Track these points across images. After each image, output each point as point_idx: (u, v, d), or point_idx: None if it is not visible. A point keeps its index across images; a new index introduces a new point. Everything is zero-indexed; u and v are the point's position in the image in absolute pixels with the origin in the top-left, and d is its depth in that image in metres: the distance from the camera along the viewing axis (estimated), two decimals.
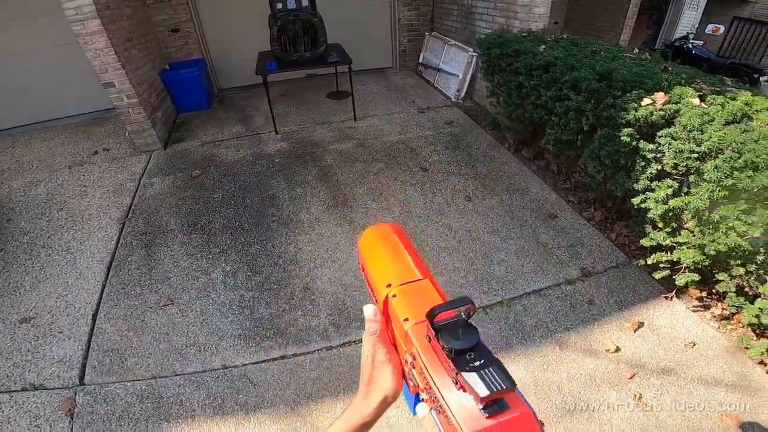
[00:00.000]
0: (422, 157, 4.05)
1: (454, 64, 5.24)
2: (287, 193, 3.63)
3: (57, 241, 3.25)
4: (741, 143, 1.83)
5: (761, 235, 1.87)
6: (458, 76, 5.11)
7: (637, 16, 10.08)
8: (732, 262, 2.10)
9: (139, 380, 2.25)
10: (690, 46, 8.21)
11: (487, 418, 0.33)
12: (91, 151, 4.50)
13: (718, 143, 1.87)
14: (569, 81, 2.79)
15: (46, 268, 3.01)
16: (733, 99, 2.09)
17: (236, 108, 5.34)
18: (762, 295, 2.06)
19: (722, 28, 9.17)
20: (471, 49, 4.88)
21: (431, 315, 0.37)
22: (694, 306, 2.63)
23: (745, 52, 10.53)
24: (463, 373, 0.34)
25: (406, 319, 0.42)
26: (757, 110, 2.03)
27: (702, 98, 2.15)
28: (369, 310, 0.47)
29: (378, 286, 0.48)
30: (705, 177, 1.98)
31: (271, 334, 2.48)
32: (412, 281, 0.47)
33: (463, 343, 0.36)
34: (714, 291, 2.49)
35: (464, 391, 0.35)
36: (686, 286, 2.48)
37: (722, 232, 1.98)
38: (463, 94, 5.15)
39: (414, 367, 0.41)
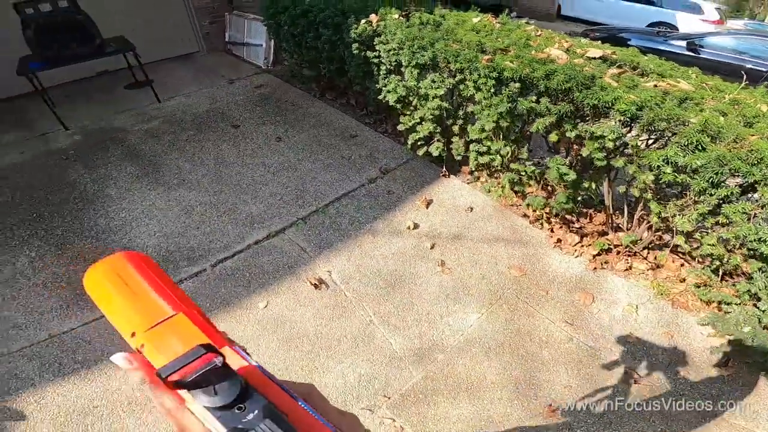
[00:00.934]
0: (233, 117, 4.16)
1: (258, 36, 5.39)
2: (88, 176, 3.37)
3: None
4: (422, 38, 2.50)
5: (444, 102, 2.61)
6: (263, 45, 5.30)
7: None
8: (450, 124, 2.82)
9: None
10: None
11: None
12: None
13: (404, 38, 2.53)
14: (321, 20, 3.31)
15: None
16: (429, 14, 2.79)
17: (11, 117, 4.58)
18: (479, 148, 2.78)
19: None
20: None
21: (161, 378, 0.32)
22: (467, 180, 3.34)
23: None
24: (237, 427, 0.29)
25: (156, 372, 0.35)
26: (446, 19, 2.75)
27: (407, 16, 2.81)
28: (120, 360, 0.36)
29: (125, 337, 0.38)
30: (403, 63, 2.63)
31: (85, 298, 2.39)
32: (161, 321, 0.38)
33: (223, 398, 0.32)
34: (485, 168, 3.17)
35: None
36: (458, 163, 3.18)
37: (429, 101, 2.65)
38: (271, 61, 5.36)
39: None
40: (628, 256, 2.62)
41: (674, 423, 1.89)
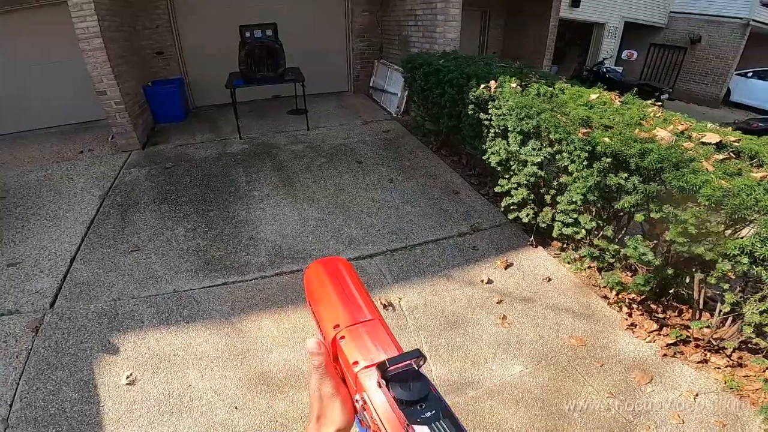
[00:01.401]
0: (359, 154, 4.86)
1: (395, 85, 6.20)
2: (244, 178, 4.34)
3: (45, 210, 3.82)
4: (528, 106, 2.75)
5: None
6: (397, 94, 6.07)
7: (568, 48, 11.63)
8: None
9: (100, 303, 2.77)
10: (604, 69, 9.61)
11: None
12: (77, 151, 5.12)
13: (514, 105, 2.80)
14: (448, 80, 3.76)
15: (34, 229, 3.57)
16: (548, 85, 3.02)
17: (208, 120, 6.10)
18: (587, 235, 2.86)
19: (635, 54, 10.71)
20: None
21: (383, 368, 0.36)
22: (554, 253, 3.40)
23: (662, 73, 12.16)
24: (414, 426, 0.33)
25: (356, 363, 0.41)
26: (564, 92, 2.96)
27: (525, 86, 3.08)
28: (312, 344, 0.44)
29: (325, 325, 0.46)
30: (509, 128, 2.89)
31: (218, 268, 3.10)
32: (361, 322, 0.45)
33: (413, 394, 0.36)
34: (570, 240, 3.24)
35: None
36: (549, 236, 3.27)
37: (527, 167, 2.85)
38: (402, 110, 6.08)
39: (365, 410, 0.40)
40: (707, 350, 2.39)
41: None
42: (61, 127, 5.90)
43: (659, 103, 2.73)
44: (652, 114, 2.55)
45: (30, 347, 2.45)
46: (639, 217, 2.17)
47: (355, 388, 0.42)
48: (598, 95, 2.89)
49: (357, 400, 0.42)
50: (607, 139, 2.24)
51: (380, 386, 0.38)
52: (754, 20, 10.11)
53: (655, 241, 2.27)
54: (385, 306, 2.79)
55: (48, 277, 3.03)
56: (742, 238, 1.79)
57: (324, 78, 6.86)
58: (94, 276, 3.04)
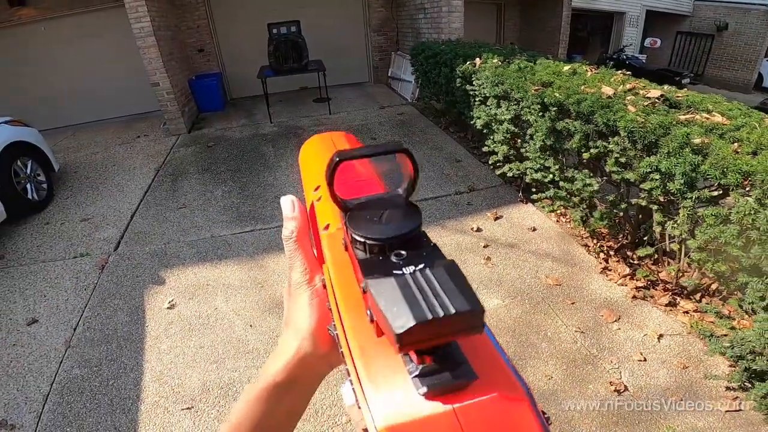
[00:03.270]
0: (374, 132, 5.28)
1: (409, 74, 6.58)
2: (273, 153, 4.87)
3: (110, 181, 4.49)
4: (501, 75, 3.08)
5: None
6: (412, 82, 6.45)
7: (591, 37, 11.56)
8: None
9: (153, 246, 3.31)
10: (625, 56, 9.56)
11: (424, 395, 0.17)
12: (134, 136, 5.87)
13: (489, 75, 3.15)
14: (443, 60, 4.17)
15: (102, 194, 4.23)
16: (529, 62, 3.33)
17: (243, 109, 6.74)
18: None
19: (659, 41, 10.53)
20: None
21: (331, 171, 0.23)
22: (541, 207, 3.64)
23: (690, 60, 11.81)
24: (371, 283, 0.18)
25: (327, 227, 0.29)
26: (539, 64, 3.28)
27: (508, 63, 3.42)
28: (285, 202, 0.32)
29: (307, 192, 0.36)
30: (487, 95, 3.23)
31: (248, 219, 3.60)
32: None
33: (386, 230, 0.22)
34: (542, 186, 3.49)
35: (377, 326, 0.19)
36: (531, 188, 3.56)
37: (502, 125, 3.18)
38: (416, 96, 6.45)
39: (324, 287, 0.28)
40: (676, 294, 2.56)
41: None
42: (120, 118, 6.74)
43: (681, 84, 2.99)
44: (613, 80, 2.82)
45: (96, 282, 2.97)
46: (586, 155, 2.45)
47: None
48: (570, 66, 3.16)
49: (322, 279, 0.31)
50: (552, 92, 2.56)
51: (346, 245, 0.25)
52: None
53: (605, 177, 2.55)
54: None
55: (113, 228, 3.64)
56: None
57: (346, 70, 7.36)
58: (149, 226, 3.62)
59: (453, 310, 0.16)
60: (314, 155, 0.41)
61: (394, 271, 0.19)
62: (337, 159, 0.23)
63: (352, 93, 7.08)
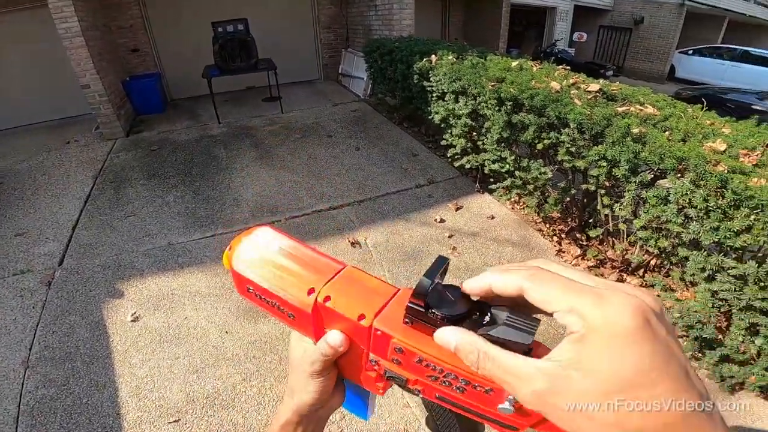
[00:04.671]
0: (329, 130, 5.27)
1: (361, 71, 6.62)
2: (225, 154, 4.70)
3: (42, 190, 4.10)
4: (457, 71, 3.25)
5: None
6: (364, 78, 6.51)
7: (526, 32, 12.27)
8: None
9: (104, 258, 3.11)
10: (556, 50, 10.29)
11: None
12: (63, 142, 5.37)
13: (447, 71, 3.31)
14: (399, 58, 4.27)
15: (35, 205, 3.86)
16: (480, 58, 3.53)
17: (187, 110, 6.41)
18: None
19: (585, 36, 11.42)
20: None
21: (423, 290, 0.30)
22: (498, 196, 3.88)
23: (612, 53, 12.93)
24: (491, 331, 0.28)
25: (362, 317, 0.34)
26: (490, 60, 3.48)
27: (462, 59, 3.59)
28: (337, 337, 0.36)
29: (293, 298, 0.37)
30: (445, 90, 3.40)
31: (207, 224, 3.48)
32: (336, 274, 0.37)
33: (459, 307, 0.30)
34: (499, 176, 3.74)
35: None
36: (488, 179, 3.77)
37: (460, 120, 3.37)
38: (369, 92, 6.52)
39: (400, 362, 0.33)
40: (622, 271, 2.86)
41: None
42: (40, 124, 6.15)
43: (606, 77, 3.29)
44: (557, 74, 3.08)
45: (44, 299, 2.76)
46: (539, 145, 2.68)
47: (364, 348, 0.35)
48: (518, 62, 3.40)
49: (372, 361, 0.35)
50: (508, 88, 2.77)
51: (409, 321, 0.32)
52: (687, 1, 10.89)
53: (556, 166, 2.79)
54: (353, 244, 3.23)
55: (54, 242, 3.35)
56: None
57: (295, 68, 7.25)
58: (95, 238, 3.38)
59: (534, 328, 0.28)
60: (269, 260, 0.39)
61: (486, 322, 0.30)
62: (426, 285, 0.30)
63: (302, 91, 6.99)
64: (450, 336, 0.29)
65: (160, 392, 2.10)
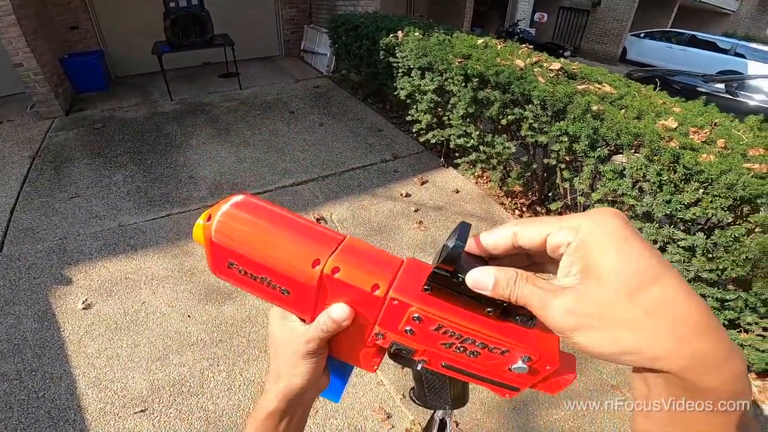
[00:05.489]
0: (291, 106, 5.09)
1: (324, 47, 6.40)
2: (179, 131, 4.43)
3: None
4: (424, 47, 3.20)
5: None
6: (327, 55, 6.30)
7: (490, 11, 12.32)
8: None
9: (47, 243, 2.88)
10: (518, 30, 10.41)
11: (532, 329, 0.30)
12: None
13: (413, 47, 3.26)
14: (364, 34, 4.17)
15: None
16: (447, 35, 3.49)
17: (135, 88, 5.95)
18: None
19: (546, 16, 11.62)
20: None
21: (455, 256, 0.29)
22: (463, 171, 3.92)
23: (570, 34, 13.27)
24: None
25: (376, 287, 0.33)
26: (456, 37, 3.45)
27: (428, 35, 3.55)
28: (344, 311, 0.34)
29: (295, 271, 0.33)
30: (411, 66, 3.36)
31: (161, 203, 3.28)
32: (339, 245, 0.35)
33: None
34: (464, 151, 3.77)
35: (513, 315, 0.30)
36: (452, 153, 3.79)
37: (426, 95, 3.34)
38: (332, 69, 6.33)
39: (414, 332, 0.32)
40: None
41: None
42: None
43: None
44: (520, 52, 3.11)
45: None
46: (504, 121, 2.71)
47: (370, 321, 0.34)
48: (483, 40, 3.40)
49: (379, 335, 0.34)
50: (475, 64, 2.76)
51: (429, 288, 0.31)
52: None
53: (519, 141, 2.83)
54: (318, 220, 3.16)
55: None
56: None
57: (255, 44, 6.91)
58: (36, 221, 3.11)
59: None
60: (258, 231, 0.34)
61: None
62: (460, 249, 0.29)
63: (262, 67, 6.67)
64: (488, 271, 0.29)
65: (121, 382, 2.00)
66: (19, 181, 3.57)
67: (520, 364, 0.31)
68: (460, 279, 0.30)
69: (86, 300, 2.46)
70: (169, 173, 3.66)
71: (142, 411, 1.88)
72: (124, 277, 2.65)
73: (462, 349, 0.32)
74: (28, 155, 4.01)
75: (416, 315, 0.32)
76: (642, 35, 12.70)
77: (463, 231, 0.30)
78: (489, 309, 0.31)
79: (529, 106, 2.52)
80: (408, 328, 0.33)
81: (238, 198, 0.37)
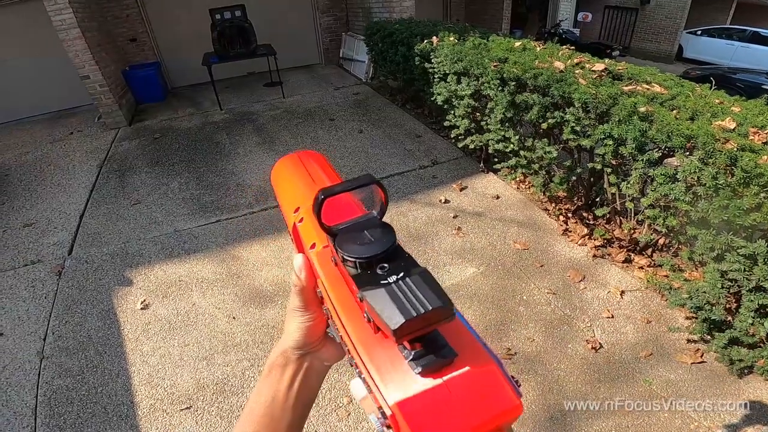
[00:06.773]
0: (331, 113, 5.20)
1: (362, 54, 6.50)
2: (228, 140, 4.67)
3: (48, 181, 4.11)
4: (459, 52, 3.17)
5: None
6: (365, 62, 6.39)
7: (530, 13, 11.98)
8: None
9: (112, 247, 3.12)
10: (560, 31, 10.03)
11: (420, 374, 0.22)
12: (66, 133, 5.35)
13: (448, 52, 3.22)
14: (400, 40, 4.20)
15: (41, 196, 3.87)
16: (483, 39, 3.44)
17: (187, 98, 6.35)
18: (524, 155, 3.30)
19: (590, 16, 11.12)
20: None
21: (318, 206, 0.27)
22: (503, 176, 3.83)
23: (618, 33, 12.62)
24: (366, 293, 0.23)
25: (313, 245, 0.32)
26: (492, 41, 3.40)
27: (463, 40, 3.50)
28: (298, 262, 0.35)
29: (287, 213, 0.36)
30: (447, 72, 3.33)
31: (212, 209, 3.47)
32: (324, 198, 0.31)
33: (370, 249, 0.26)
34: (504, 155, 3.68)
35: (374, 326, 0.23)
36: (491, 158, 3.72)
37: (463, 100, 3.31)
38: (370, 75, 6.41)
39: (330, 317, 0.30)
40: (630, 250, 2.84)
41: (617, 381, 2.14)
42: (42, 116, 6.12)
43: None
44: (560, 54, 2.99)
45: (56, 288, 2.78)
46: (544, 125, 2.62)
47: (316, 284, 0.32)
48: (520, 43, 3.31)
49: (318, 292, 0.32)
50: (511, 68, 2.70)
51: (335, 261, 0.29)
52: None
53: (561, 145, 2.73)
54: None
55: (62, 232, 3.37)
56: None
57: (295, 53, 7.14)
58: (103, 227, 3.39)
59: (430, 307, 0.22)
60: (287, 177, 0.42)
61: (382, 282, 0.24)
62: (322, 197, 0.27)
63: (303, 76, 6.89)
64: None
65: (171, 380, 2.12)
66: (88, 189, 3.91)
67: (372, 418, 0.26)
68: (336, 249, 0.28)
69: (144, 300, 2.64)
70: (219, 181, 3.86)
71: (187, 408, 1.98)
72: (178, 279, 2.82)
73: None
74: (95, 164, 4.38)
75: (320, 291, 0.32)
76: (699, 32, 11.86)
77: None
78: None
79: (570, 108, 2.42)
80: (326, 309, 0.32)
81: (301, 151, 0.45)
